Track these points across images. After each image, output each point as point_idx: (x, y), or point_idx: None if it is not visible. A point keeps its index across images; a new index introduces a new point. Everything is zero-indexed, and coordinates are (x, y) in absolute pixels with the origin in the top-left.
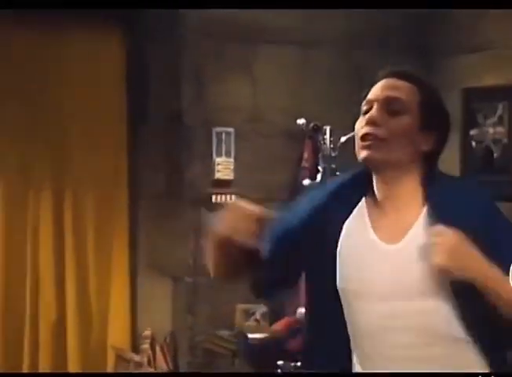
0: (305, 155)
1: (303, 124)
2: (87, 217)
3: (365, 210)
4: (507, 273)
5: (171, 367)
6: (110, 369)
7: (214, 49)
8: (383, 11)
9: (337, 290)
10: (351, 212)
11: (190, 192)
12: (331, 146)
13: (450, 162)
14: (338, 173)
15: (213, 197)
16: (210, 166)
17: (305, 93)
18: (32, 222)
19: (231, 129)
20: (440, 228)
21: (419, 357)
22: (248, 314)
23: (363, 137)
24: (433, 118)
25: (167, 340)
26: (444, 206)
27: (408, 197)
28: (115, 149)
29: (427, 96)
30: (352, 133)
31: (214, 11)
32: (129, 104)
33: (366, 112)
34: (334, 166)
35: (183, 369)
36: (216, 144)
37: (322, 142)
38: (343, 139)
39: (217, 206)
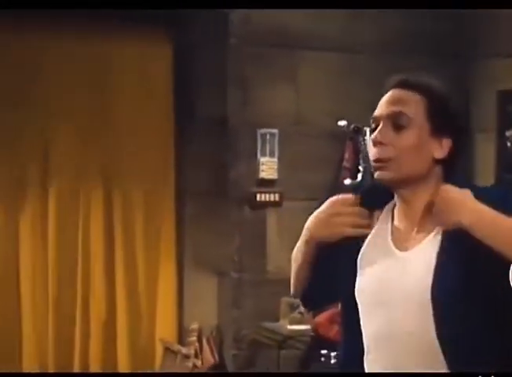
0: (346, 156)
1: (344, 126)
2: (136, 215)
3: (389, 218)
4: None
5: (217, 359)
6: (158, 361)
7: (260, 55)
8: (421, 14)
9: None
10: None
11: (235, 191)
12: None
13: (486, 161)
14: None
15: (258, 196)
16: (254, 166)
17: (345, 96)
18: (83, 219)
19: (275, 131)
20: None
21: (428, 363)
22: (293, 307)
23: (374, 160)
24: (443, 126)
25: (213, 333)
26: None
27: (426, 207)
28: (163, 148)
29: (435, 103)
30: None
31: (260, 18)
32: (177, 105)
33: (374, 129)
34: None
35: (228, 361)
36: (260, 145)
37: (362, 143)
38: None
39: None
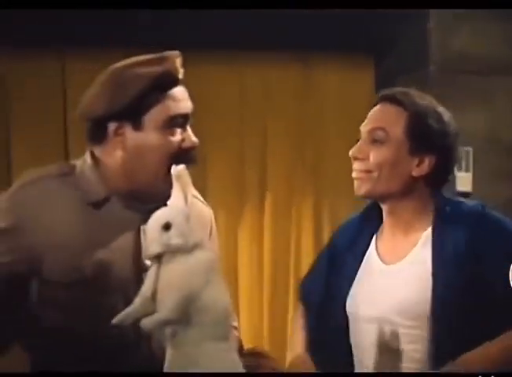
0: None
1: None
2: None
3: (374, 238)
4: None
5: None
6: None
7: (457, 80)
8: None
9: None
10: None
11: None
12: None
13: None
14: None
15: None
16: (452, 180)
17: None
18: (295, 229)
19: (470, 148)
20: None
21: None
22: None
23: (353, 174)
24: (424, 143)
25: None
26: (441, 234)
27: (412, 223)
28: None
29: (417, 120)
30: None
31: (458, 46)
32: None
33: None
34: None
35: None
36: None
37: None
38: None
39: None
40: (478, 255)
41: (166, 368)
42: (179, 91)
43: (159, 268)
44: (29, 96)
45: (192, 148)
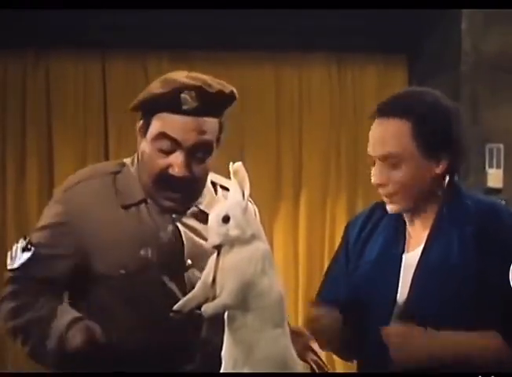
0: None
1: None
2: None
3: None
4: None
5: None
6: None
7: (488, 79)
8: None
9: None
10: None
11: None
12: None
13: None
14: None
15: None
16: (482, 177)
17: None
18: (330, 224)
19: (501, 145)
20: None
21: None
22: None
23: (382, 195)
24: (435, 144)
25: None
26: (444, 228)
27: (431, 216)
28: None
29: (422, 124)
30: None
31: (488, 47)
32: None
33: (373, 163)
34: None
35: None
36: (488, 158)
37: None
38: None
39: None
40: (482, 250)
41: (224, 352)
42: (184, 119)
43: (219, 257)
44: (70, 95)
45: (180, 178)
